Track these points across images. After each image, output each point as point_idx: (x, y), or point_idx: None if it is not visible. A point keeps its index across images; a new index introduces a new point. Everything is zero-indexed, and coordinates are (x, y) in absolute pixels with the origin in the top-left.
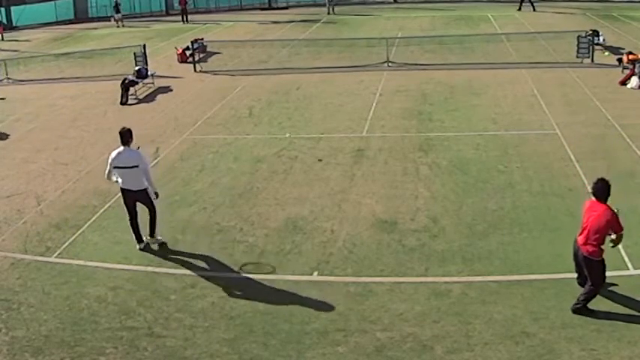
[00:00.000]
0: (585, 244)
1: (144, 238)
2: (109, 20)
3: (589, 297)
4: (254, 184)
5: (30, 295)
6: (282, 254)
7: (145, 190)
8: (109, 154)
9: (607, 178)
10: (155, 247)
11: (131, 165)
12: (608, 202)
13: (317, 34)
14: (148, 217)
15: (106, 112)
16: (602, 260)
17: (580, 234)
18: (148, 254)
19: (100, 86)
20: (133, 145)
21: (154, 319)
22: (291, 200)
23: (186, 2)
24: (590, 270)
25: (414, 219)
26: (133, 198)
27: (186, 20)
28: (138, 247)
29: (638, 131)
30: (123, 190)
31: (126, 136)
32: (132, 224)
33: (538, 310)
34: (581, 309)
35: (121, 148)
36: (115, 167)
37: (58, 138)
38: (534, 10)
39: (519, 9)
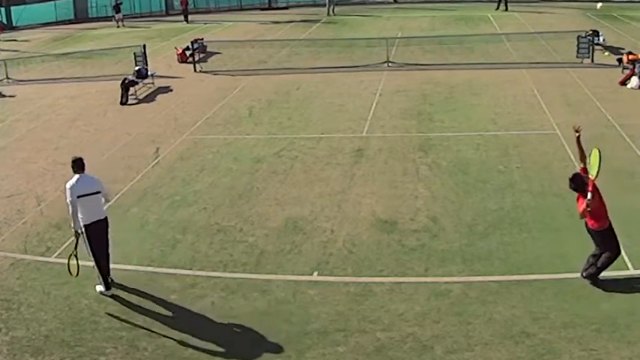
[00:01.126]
0: (589, 219)
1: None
2: (109, 20)
3: (606, 264)
4: (254, 184)
5: (30, 295)
6: (282, 254)
7: (106, 218)
8: (65, 184)
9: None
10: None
11: (94, 191)
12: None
13: (317, 34)
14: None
15: (106, 112)
16: (607, 229)
17: None
18: (147, 254)
19: (100, 86)
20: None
21: (154, 319)
22: (291, 200)
23: (187, 3)
24: (601, 240)
25: (414, 219)
26: (101, 229)
27: (187, 20)
28: (107, 292)
29: (638, 131)
30: (90, 226)
31: (78, 164)
32: (101, 267)
33: (538, 310)
34: (594, 275)
35: (77, 175)
36: (78, 197)
37: (58, 138)
38: (497, 9)
39: (506, 9)
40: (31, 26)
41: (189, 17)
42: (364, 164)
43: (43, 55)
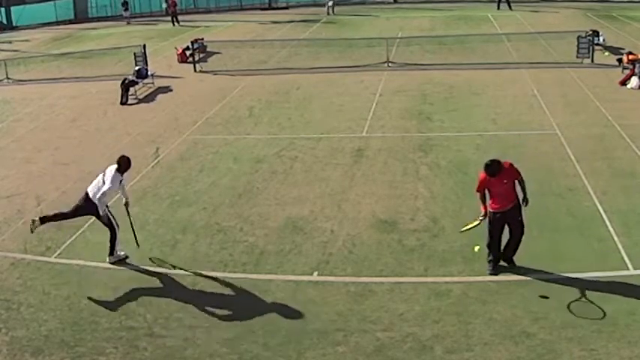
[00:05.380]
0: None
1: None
2: (109, 20)
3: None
4: (254, 184)
5: (30, 295)
6: (282, 254)
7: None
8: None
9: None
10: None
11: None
12: None
13: (317, 34)
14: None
15: (106, 112)
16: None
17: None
18: (147, 254)
19: (100, 86)
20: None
21: (154, 319)
22: (291, 200)
23: (175, 4)
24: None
25: (414, 219)
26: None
27: (177, 22)
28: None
29: (638, 131)
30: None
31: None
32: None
33: (538, 310)
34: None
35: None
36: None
37: (58, 138)
38: (499, 8)
39: (509, 8)
40: (31, 26)
41: (179, 18)
42: (364, 164)
43: (43, 55)
